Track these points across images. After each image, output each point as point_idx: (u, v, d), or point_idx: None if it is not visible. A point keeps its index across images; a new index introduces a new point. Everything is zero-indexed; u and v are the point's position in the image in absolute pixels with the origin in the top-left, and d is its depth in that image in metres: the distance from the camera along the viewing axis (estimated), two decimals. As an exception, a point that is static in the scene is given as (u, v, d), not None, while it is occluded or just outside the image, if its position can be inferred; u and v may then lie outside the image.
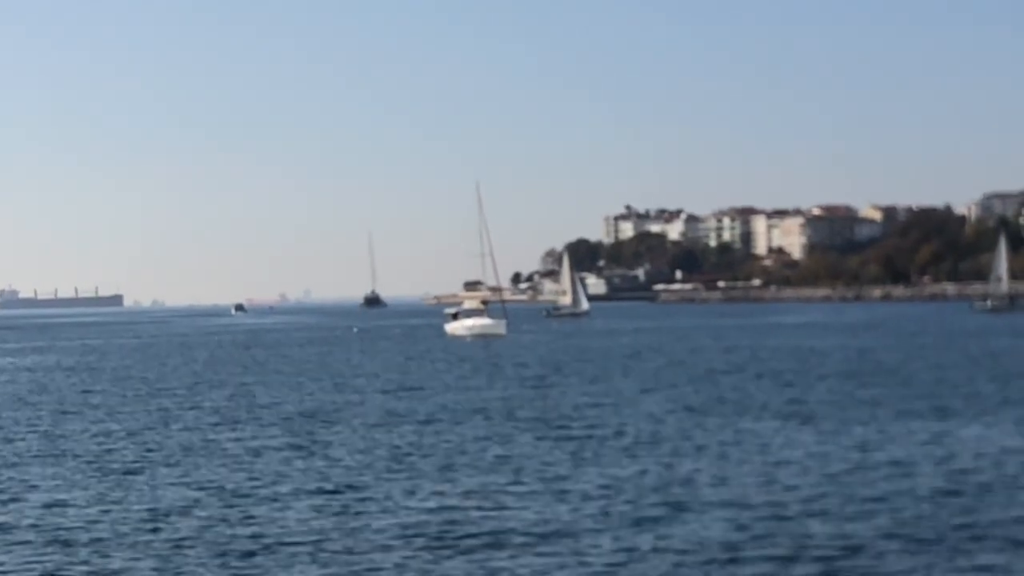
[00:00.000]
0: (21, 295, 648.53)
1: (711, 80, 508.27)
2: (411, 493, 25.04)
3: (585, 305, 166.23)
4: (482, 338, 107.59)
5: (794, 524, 21.13)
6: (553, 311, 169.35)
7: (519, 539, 20.42)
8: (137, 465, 30.36)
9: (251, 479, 27.58)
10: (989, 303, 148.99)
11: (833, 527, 20.84)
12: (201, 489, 26.23)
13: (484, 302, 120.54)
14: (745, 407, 41.36)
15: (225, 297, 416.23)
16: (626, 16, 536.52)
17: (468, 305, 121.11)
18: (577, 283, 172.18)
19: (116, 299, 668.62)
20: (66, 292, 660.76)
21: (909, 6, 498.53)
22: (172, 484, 27.06)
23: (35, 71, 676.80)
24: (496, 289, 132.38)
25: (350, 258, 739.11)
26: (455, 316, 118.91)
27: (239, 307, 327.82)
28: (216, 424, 40.03)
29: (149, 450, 33.41)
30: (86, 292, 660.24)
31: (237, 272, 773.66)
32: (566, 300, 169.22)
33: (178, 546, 20.51)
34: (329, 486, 26.17)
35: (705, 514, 22.17)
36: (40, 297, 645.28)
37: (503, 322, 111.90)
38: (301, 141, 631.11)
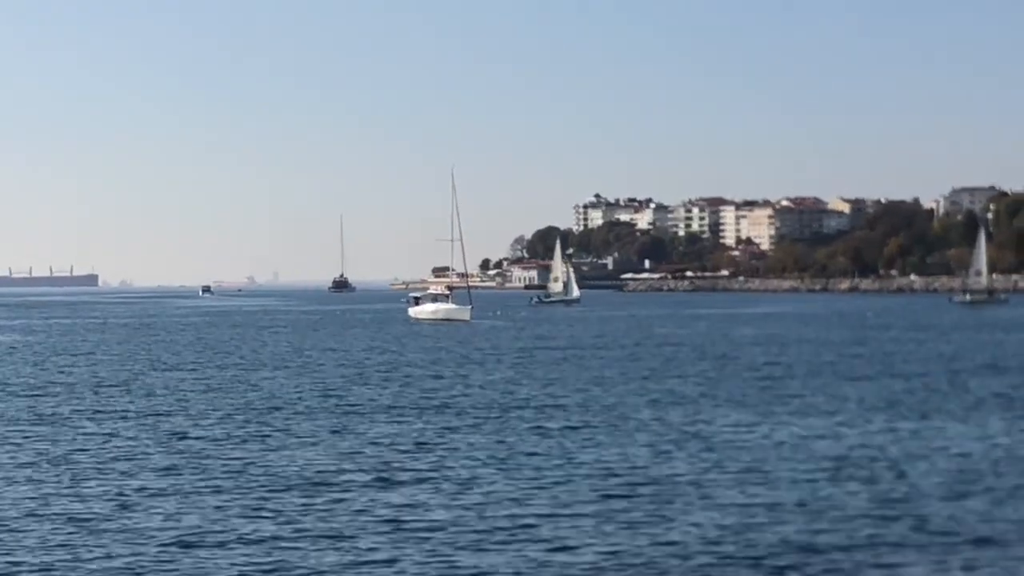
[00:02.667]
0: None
1: (682, 71, 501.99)
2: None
3: (576, 292, 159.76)
4: (446, 323, 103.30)
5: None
6: (544, 298, 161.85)
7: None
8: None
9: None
10: (968, 296, 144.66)
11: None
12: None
13: (449, 287, 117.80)
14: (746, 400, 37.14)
15: (194, 279, 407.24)
16: (598, 7, 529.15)
17: (432, 290, 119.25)
18: (570, 271, 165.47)
19: (91, 279, 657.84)
20: (41, 271, 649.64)
21: (880, 2, 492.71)
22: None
23: (13, 57, 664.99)
24: (464, 275, 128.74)
25: (320, 242, 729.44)
26: (417, 301, 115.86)
27: (206, 289, 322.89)
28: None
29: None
30: (61, 271, 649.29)
31: (207, 254, 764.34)
32: (557, 287, 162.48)
33: None
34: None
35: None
36: (15, 275, 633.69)
37: (468, 307, 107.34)
38: (273, 125, 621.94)
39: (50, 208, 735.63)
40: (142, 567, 17.63)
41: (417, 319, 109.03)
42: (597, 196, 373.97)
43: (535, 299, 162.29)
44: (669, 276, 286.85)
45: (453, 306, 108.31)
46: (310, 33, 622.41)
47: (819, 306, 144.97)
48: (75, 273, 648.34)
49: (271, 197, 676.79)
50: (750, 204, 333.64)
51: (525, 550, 18.37)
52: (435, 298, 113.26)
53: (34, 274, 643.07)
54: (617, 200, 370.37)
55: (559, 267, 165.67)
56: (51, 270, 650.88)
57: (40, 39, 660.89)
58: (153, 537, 19.21)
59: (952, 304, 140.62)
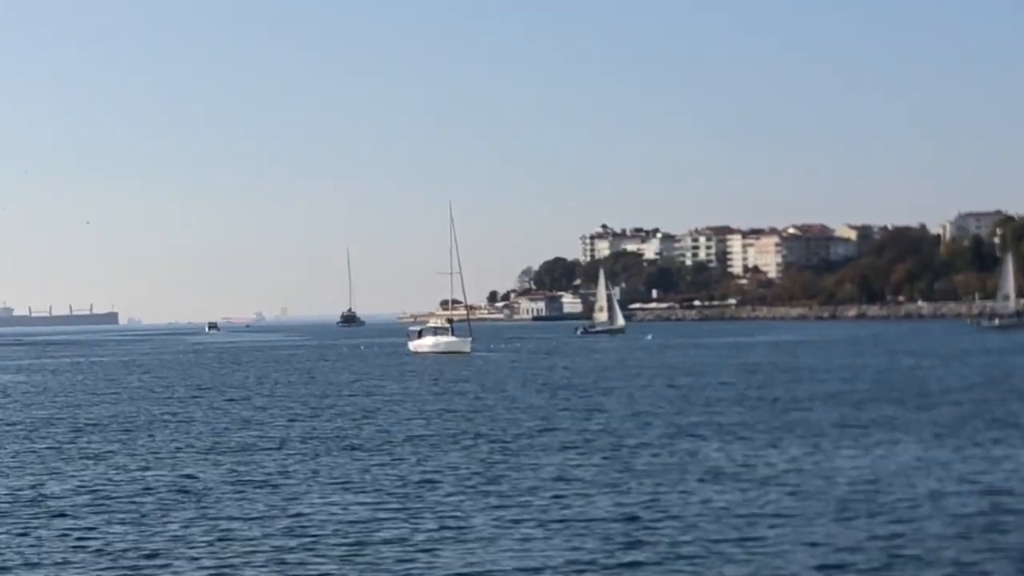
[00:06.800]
0: (15, 313, 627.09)
1: (686, 100, 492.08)
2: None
3: (621, 322, 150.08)
4: (446, 356, 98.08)
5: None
6: (589, 328, 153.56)
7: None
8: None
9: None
10: (997, 321, 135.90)
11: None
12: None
13: (450, 320, 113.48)
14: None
15: (204, 315, 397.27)
16: (600, 34, 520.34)
17: (432, 323, 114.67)
18: (614, 300, 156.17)
19: (111, 316, 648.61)
20: (61, 310, 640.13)
21: (883, 27, 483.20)
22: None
23: (27, 90, 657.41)
24: (471, 307, 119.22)
25: (328, 277, 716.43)
26: (420, 334, 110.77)
27: (212, 325, 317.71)
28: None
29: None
30: (80, 310, 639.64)
31: (216, 290, 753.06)
32: (602, 317, 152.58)
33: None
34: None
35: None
36: (35, 314, 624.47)
37: (468, 340, 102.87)
38: (279, 161, 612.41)
39: (62, 246, 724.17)
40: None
41: (417, 352, 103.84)
42: (604, 227, 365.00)
43: (580, 329, 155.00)
44: (677, 306, 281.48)
45: (454, 339, 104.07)
46: (316, 69, 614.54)
47: (862, 331, 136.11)
48: (95, 311, 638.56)
49: (277, 232, 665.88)
50: (756, 232, 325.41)
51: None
52: (435, 331, 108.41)
53: (54, 312, 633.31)
54: (624, 230, 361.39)
55: (603, 296, 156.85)
56: (71, 308, 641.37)
57: (58, 73, 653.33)
58: None
59: (980, 329, 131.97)
